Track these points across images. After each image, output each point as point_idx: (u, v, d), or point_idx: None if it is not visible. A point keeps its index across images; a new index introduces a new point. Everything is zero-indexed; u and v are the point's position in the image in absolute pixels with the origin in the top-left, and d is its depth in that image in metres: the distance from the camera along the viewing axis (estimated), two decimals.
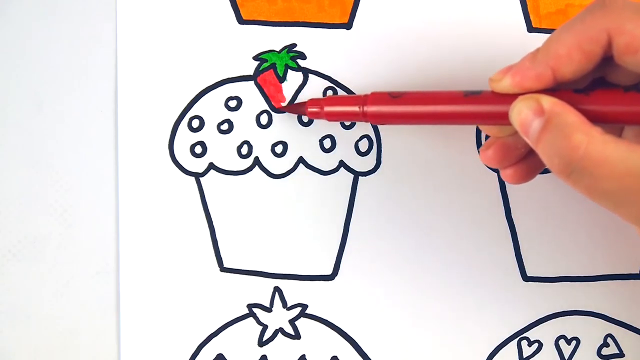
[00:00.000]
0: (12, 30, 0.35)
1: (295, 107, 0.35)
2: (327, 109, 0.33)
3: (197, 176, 0.36)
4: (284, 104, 0.36)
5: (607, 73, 0.28)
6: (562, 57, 0.25)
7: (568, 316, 0.38)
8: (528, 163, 0.31)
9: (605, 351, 0.38)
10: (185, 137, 0.36)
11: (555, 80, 0.26)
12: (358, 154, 0.37)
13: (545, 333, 0.38)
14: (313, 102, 0.34)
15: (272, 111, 0.36)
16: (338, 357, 0.38)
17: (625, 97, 0.25)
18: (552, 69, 0.25)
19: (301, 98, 0.36)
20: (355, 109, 0.32)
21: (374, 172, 0.37)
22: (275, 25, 0.36)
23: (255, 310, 0.37)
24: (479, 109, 0.28)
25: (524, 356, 0.38)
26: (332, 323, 0.37)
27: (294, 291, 0.37)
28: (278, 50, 0.36)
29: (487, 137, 0.37)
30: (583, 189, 0.25)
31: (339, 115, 0.33)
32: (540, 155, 0.26)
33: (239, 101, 0.36)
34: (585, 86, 0.27)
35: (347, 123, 0.36)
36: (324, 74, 0.36)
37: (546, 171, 0.37)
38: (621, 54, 0.25)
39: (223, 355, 0.37)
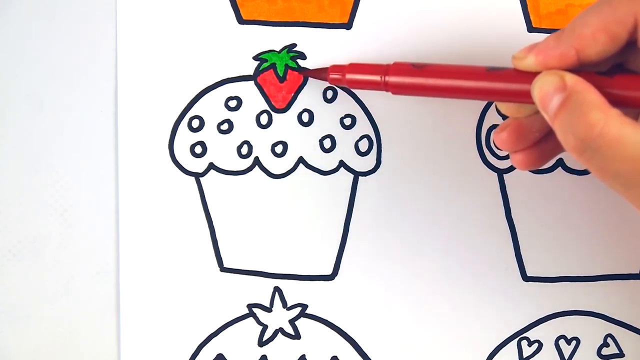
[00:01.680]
0: (12, 30, 0.35)
1: (316, 72, 0.35)
2: (349, 76, 0.33)
3: (197, 176, 0.36)
4: (284, 106, 0.36)
5: (628, 59, 0.27)
6: (587, 37, 0.25)
7: (568, 316, 0.38)
8: (540, 149, 0.31)
9: (605, 351, 0.38)
10: (185, 137, 0.36)
11: (579, 60, 0.26)
12: (358, 154, 0.37)
13: (545, 333, 0.38)
14: (335, 68, 0.34)
15: (272, 111, 0.36)
16: (338, 357, 0.38)
17: None
18: (576, 49, 0.25)
19: (301, 98, 0.36)
20: (377, 78, 0.32)
21: (374, 172, 0.37)
22: (275, 25, 0.36)
23: (255, 310, 0.37)
24: (501, 85, 0.28)
25: (524, 356, 0.38)
26: (332, 323, 0.37)
27: (294, 291, 0.37)
28: (278, 50, 0.36)
29: (487, 138, 0.37)
30: (595, 168, 0.24)
31: (361, 84, 0.33)
32: (556, 132, 0.25)
33: (239, 101, 0.36)
34: (607, 70, 0.27)
35: (347, 122, 0.36)
36: None
37: (548, 170, 0.37)
38: None
39: (223, 355, 0.37)
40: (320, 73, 0.35)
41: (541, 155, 0.31)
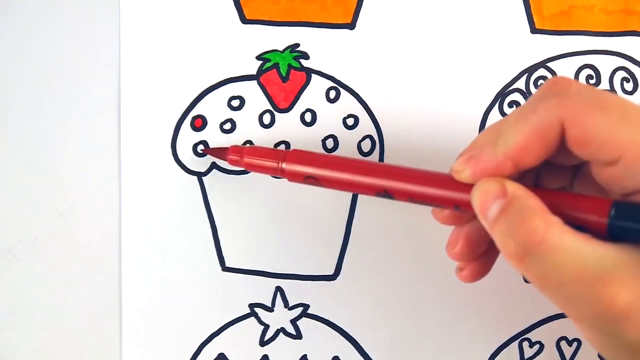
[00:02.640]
0: (13, 29, 0.35)
1: (216, 152, 0.35)
2: (247, 159, 0.32)
3: (200, 175, 0.36)
4: (285, 105, 0.36)
5: (554, 155, 0.27)
6: (521, 148, 0.25)
7: None
8: (483, 260, 0.30)
9: None
10: (187, 136, 0.36)
11: (516, 168, 0.25)
12: (361, 154, 0.37)
13: (547, 334, 0.38)
14: (234, 149, 0.33)
15: (275, 111, 0.36)
16: (339, 357, 0.38)
17: (594, 204, 0.24)
18: (512, 159, 0.25)
19: (304, 98, 0.36)
20: (274, 164, 0.31)
21: None
22: (279, 25, 0.36)
23: (256, 309, 0.37)
24: (436, 192, 0.28)
25: (525, 357, 0.38)
26: (333, 323, 0.37)
27: (296, 291, 0.37)
28: (281, 50, 0.36)
29: None
30: (535, 276, 0.24)
31: (258, 168, 0.32)
32: (495, 239, 0.25)
33: (242, 101, 0.36)
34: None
35: (350, 123, 0.36)
36: (326, 74, 0.36)
37: None
38: (573, 144, 0.24)
39: (224, 355, 0.37)
40: (219, 153, 0.34)
41: (486, 265, 0.30)
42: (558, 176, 0.29)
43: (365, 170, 0.29)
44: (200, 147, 0.36)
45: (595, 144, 0.24)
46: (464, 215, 0.29)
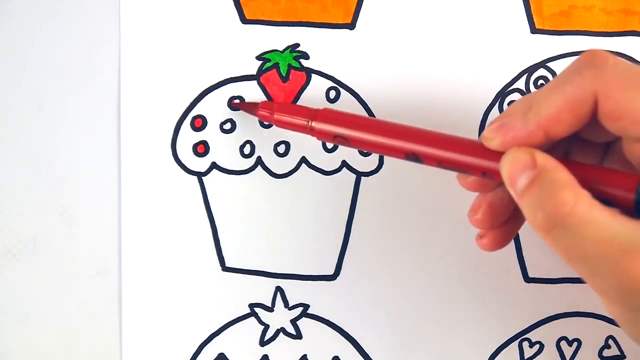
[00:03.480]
0: (12, 29, 0.35)
1: (248, 106, 0.35)
2: (277, 115, 0.33)
3: (200, 175, 0.36)
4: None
5: (584, 130, 0.27)
6: (554, 117, 0.25)
7: (569, 317, 0.38)
8: (507, 228, 0.30)
9: (606, 352, 0.38)
10: (187, 137, 0.36)
11: (547, 138, 0.26)
12: (360, 154, 0.37)
13: (547, 334, 0.38)
14: (266, 104, 0.34)
15: None
16: (339, 357, 0.38)
17: (622, 179, 0.24)
18: (543, 128, 0.25)
19: (304, 98, 0.36)
20: (304, 122, 0.31)
21: (376, 173, 0.37)
22: (279, 25, 0.36)
23: (257, 309, 0.37)
24: (465, 158, 0.28)
25: (525, 357, 0.38)
26: (333, 323, 0.37)
27: (296, 291, 0.37)
28: (281, 50, 0.36)
29: None
30: (562, 248, 0.24)
31: (288, 125, 0.33)
32: (523, 209, 0.25)
33: (242, 100, 0.36)
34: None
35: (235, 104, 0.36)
36: (326, 74, 0.36)
37: None
38: (606, 118, 0.24)
39: (224, 355, 0.37)
40: (251, 107, 0.35)
41: (508, 234, 0.30)
42: (589, 153, 0.29)
43: (396, 132, 0.29)
44: (236, 101, 0.36)
45: (628, 119, 0.24)
46: (490, 182, 0.29)
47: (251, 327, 0.37)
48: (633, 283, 0.22)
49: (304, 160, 0.36)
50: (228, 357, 0.37)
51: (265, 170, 0.36)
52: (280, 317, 0.37)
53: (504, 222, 0.30)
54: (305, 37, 0.36)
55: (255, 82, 0.36)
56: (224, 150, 0.36)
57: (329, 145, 0.36)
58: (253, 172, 0.36)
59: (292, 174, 0.36)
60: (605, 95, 0.24)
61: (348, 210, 0.37)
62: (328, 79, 0.36)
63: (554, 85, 0.25)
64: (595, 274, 0.24)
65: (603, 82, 0.24)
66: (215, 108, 0.36)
